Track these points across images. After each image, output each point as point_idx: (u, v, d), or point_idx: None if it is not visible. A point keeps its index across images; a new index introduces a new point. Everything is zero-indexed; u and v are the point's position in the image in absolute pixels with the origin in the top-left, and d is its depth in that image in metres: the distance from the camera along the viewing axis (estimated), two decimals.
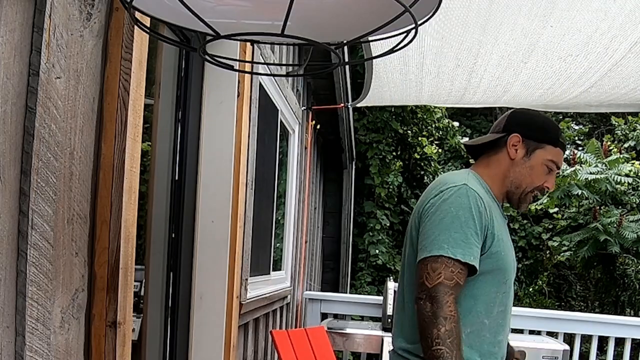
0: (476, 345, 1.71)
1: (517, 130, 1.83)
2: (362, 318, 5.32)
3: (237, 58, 2.56)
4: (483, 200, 1.72)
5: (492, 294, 1.73)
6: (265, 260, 3.94)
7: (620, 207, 8.34)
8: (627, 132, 10.24)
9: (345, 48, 4.29)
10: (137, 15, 1.16)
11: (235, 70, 2.43)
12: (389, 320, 4.11)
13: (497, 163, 1.85)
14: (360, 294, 8.22)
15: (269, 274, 4.08)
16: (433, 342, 1.56)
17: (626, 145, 9.91)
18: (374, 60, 3.89)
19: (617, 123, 10.53)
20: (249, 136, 2.90)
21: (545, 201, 8.40)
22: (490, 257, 1.71)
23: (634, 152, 9.77)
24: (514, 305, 1.90)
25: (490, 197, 1.80)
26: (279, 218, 4.69)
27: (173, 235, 2.50)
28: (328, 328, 4.21)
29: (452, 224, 1.65)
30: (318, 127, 5.97)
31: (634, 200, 8.29)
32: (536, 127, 1.84)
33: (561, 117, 12.89)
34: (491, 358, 1.74)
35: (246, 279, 2.98)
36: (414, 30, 1.08)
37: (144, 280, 2.45)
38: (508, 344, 1.91)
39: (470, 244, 1.65)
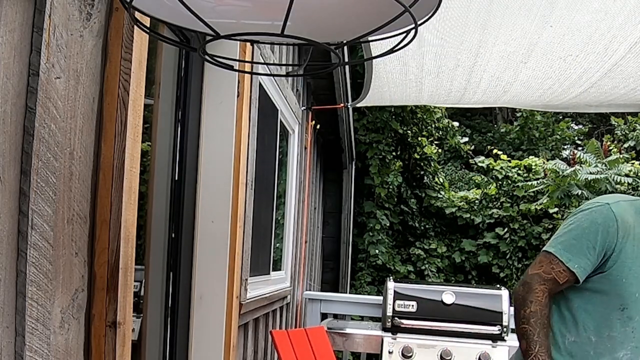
0: (578, 356, 1.78)
1: None
2: (362, 318, 5.32)
3: (237, 58, 2.56)
4: (621, 224, 1.74)
5: (606, 315, 1.77)
6: (265, 260, 3.94)
7: None
8: (627, 132, 10.25)
9: (345, 48, 4.29)
10: (137, 15, 1.16)
11: (235, 70, 2.43)
12: (389, 320, 4.11)
13: None
14: (360, 294, 8.22)
15: (269, 274, 4.08)
16: (520, 321, 1.76)
17: (626, 145, 9.92)
18: (373, 60, 3.89)
19: (617, 123, 10.53)
20: (248, 136, 2.90)
21: (545, 201, 8.40)
22: (607, 277, 1.75)
23: (633, 152, 9.77)
24: None
25: None
26: (279, 218, 4.69)
27: (173, 235, 2.50)
28: (328, 328, 4.21)
29: (575, 231, 1.77)
30: (318, 127, 5.97)
31: None
32: None
33: (561, 117, 12.90)
34: None
35: (246, 279, 2.98)
36: (413, 30, 1.08)
37: (143, 280, 2.45)
38: None
39: (581, 253, 1.74)
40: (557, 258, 1.76)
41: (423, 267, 8.86)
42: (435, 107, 9.20)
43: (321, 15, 1.11)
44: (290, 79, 4.40)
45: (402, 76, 3.99)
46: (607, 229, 1.74)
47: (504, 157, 10.00)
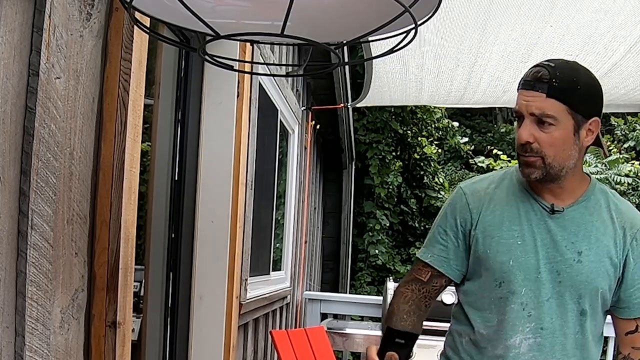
0: (477, 356, 1.61)
1: None
2: (362, 318, 5.32)
3: (237, 58, 2.56)
4: (472, 196, 1.63)
5: (486, 300, 1.59)
6: (265, 261, 3.94)
7: None
8: (627, 132, 10.25)
9: (345, 48, 4.29)
10: (137, 15, 1.16)
11: (235, 70, 2.43)
12: None
13: None
14: (360, 294, 8.22)
15: (269, 274, 4.08)
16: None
17: (626, 145, 9.92)
18: (373, 61, 3.89)
19: (616, 123, 10.53)
20: (248, 136, 2.90)
21: None
22: (478, 259, 1.60)
23: (633, 152, 9.78)
24: None
25: (516, 191, 1.62)
26: (279, 218, 4.69)
27: (173, 236, 2.50)
28: (328, 328, 4.21)
29: (432, 226, 1.71)
30: (318, 127, 5.97)
31: (634, 201, 8.29)
32: None
33: None
34: None
35: (246, 279, 2.98)
36: (413, 31, 1.08)
37: (143, 281, 2.45)
38: None
39: (435, 242, 1.66)
40: (417, 258, 1.69)
41: None
42: (435, 107, 9.21)
43: (321, 16, 1.11)
44: (290, 79, 4.40)
45: (402, 76, 3.99)
46: (455, 206, 1.64)
47: (504, 157, 10.01)
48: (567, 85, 1.48)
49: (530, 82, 1.49)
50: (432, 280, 1.66)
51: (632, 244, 1.58)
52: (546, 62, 1.50)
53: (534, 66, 1.51)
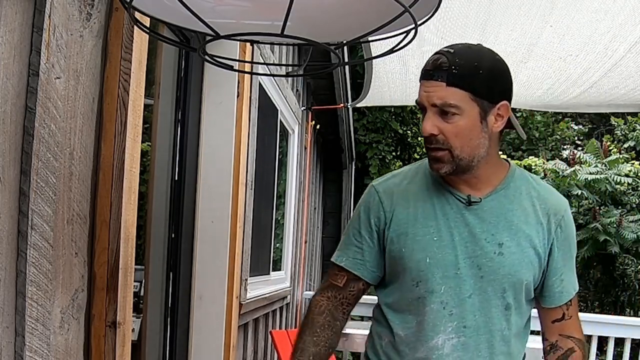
0: (394, 358, 1.54)
1: None
2: (362, 318, 5.31)
3: (237, 58, 2.56)
4: (384, 193, 1.54)
5: (404, 301, 1.51)
6: (265, 261, 3.94)
7: (620, 207, 8.33)
8: (627, 132, 10.25)
9: (345, 48, 4.29)
10: (137, 15, 1.16)
11: (235, 70, 2.43)
12: None
13: None
14: None
15: (269, 274, 4.08)
16: None
17: (626, 145, 9.91)
18: (373, 60, 3.89)
19: (616, 123, 10.53)
20: (248, 136, 2.90)
21: None
22: (393, 258, 1.52)
23: (633, 152, 9.77)
24: None
25: (430, 185, 1.53)
26: (279, 218, 4.69)
27: (173, 236, 2.50)
28: None
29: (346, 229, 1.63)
30: (318, 127, 5.97)
31: (634, 201, 8.29)
32: None
33: (561, 117, 12.89)
34: None
35: (246, 279, 2.98)
36: (413, 31, 1.08)
37: (143, 281, 2.45)
38: None
39: (349, 244, 1.57)
40: (332, 262, 1.60)
41: None
42: None
43: (321, 16, 1.11)
44: (290, 79, 4.40)
45: (402, 76, 3.98)
46: (368, 206, 1.55)
47: (504, 157, 10.00)
48: (467, 71, 1.38)
49: (430, 71, 1.40)
50: (348, 285, 1.57)
51: (557, 232, 1.52)
52: (446, 49, 1.42)
53: (434, 54, 1.42)
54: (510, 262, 1.46)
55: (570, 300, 1.57)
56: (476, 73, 1.39)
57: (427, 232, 1.48)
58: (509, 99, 1.46)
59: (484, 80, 1.40)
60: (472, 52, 1.42)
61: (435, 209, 1.49)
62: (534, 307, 1.60)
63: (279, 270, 4.67)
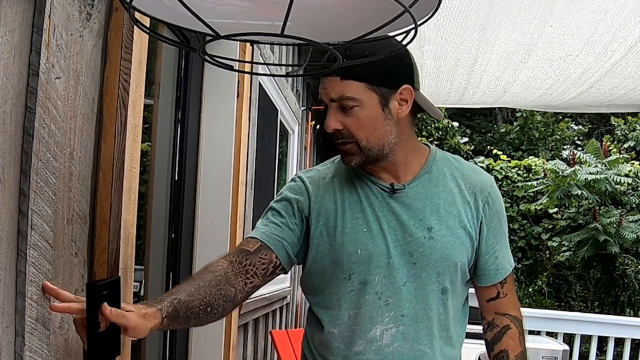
0: (329, 356, 1.49)
1: None
2: None
3: (237, 58, 2.56)
4: (310, 180, 1.52)
5: (334, 296, 1.47)
6: None
7: (619, 207, 8.34)
8: (627, 132, 10.25)
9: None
10: (137, 15, 1.16)
11: (235, 70, 2.43)
12: None
13: None
14: None
15: None
16: None
17: (626, 145, 9.92)
18: None
19: (616, 123, 10.53)
20: (248, 136, 2.90)
21: (544, 201, 8.40)
22: (322, 253, 1.47)
23: (633, 152, 9.78)
24: None
25: (353, 176, 1.52)
26: None
27: (173, 236, 2.50)
28: None
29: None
30: (318, 127, 5.97)
31: (634, 201, 8.29)
32: None
33: (561, 118, 12.90)
34: None
35: None
36: (413, 31, 1.08)
37: (143, 280, 2.45)
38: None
39: (266, 221, 1.51)
40: (246, 238, 1.52)
41: None
42: None
43: (321, 16, 1.11)
44: (290, 79, 4.40)
45: None
46: (291, 191, 1.52)
47: (504, 157, 10.01)
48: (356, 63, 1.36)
49: (327, 68, 1.39)
50: (260, 251, 1.46)
51: (485, 209, 1.51)
52: (339, 44, 1.42)
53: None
54: (442, 246, 1.46)
55: (505, 278, 1.57)
56: (369, 62, 1.35)
57: (356, 224, 1.46)
58: (412, 82, 1.45)
59: (379, 68, 1.39)
60: (366, 42, 1.43)
61: (361, 200, 1.48)
62: (470, 287, 1.60)
63: None
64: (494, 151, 10.54)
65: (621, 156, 8.41)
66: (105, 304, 1.16)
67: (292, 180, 1.57)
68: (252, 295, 3.31)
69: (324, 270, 1.48)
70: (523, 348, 1.58)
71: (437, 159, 1.54)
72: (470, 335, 4.14)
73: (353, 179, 1.51)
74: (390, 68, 1.42)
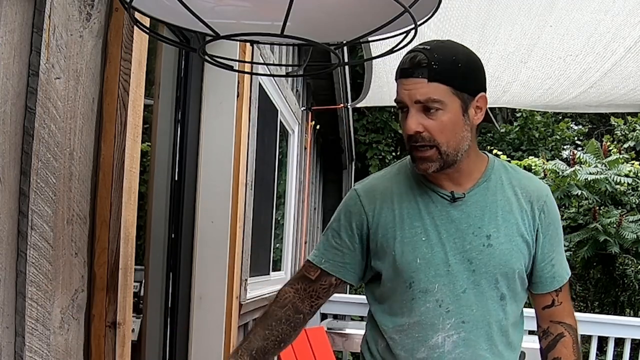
0: None
1: None
2: (362, 318, 5.31)
3: (237, 58, 2.56)
4: (366, 197, 1.53)
5: (397, 304, 1.50)
6: (264, 261, 3.94)
7: (619, 207, 8.33)
8: (627, 132, 10.25)
9: (345, 48, 4.29)
10: (137, 15, 1.16)
11: (235, 70, 2.43)
12: None
13: None
14: (360, 294, 8.22)
15: (269, 274, 4.08)
16: None
17: (626, 145, 9.91)
18: (373, 61, 3.89)
19: (616, 123, 10.53)
20: (248, 136, 2.90)
21: None
22: (379, 260, 1.51)
23: (633, 152, 9.77)
24: None
25: (412, 184, 1.52)
26: (279, 218, 4.69)
27: (173, 236, 2.50)
28: (327, 328, 4.21)
29: (325, 230, 1.61)
30: (318, 127, 5.97)
31: (634, 201, 8.28)
32: None
33: (561, 118, 12.90)
34: None
35: (246, 279, 2.98)
36: (413, 31, 1.08)
37: (143, 281, 2.45)
38: None
39: (328, 245, 1.56)
40: (308, 261, 1.58)
41: None
42: None
43: (321, 16, 1.11)
44: (289, 79, 4.40)
45: None
46: (348, 209, 1.54)
47: (504, 157, 10.00)
48: (447, 66, 1.39)
49: (409, 69, 1.39)
50: (320, 279, 1.56)
51: (541, 217, 1.53)
52: (421, 47, 1.40)
53: (409, 52, 1.40)
54: (500, 253, 1.47)
55: (560, 287, 1.58)
56: (456, 67, 1.39)
57: (415, 233, 1.47)
58: (485, 91, 1.48)
59: (463, 74, 1.41)
60: (447, 47, 1.43)
61: (419, 208, 1.49)
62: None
63: (279, 270, 4.67)
64: (494, 151, 10.53)
65: (621, 156, 8.40)
66: None
67: (349, 196, 1.57)
68: (252, 295, 3.31)
69: (386, 280, 1.51)
70: (577, 357, 1.58)
71: (495, 168, 1.55)
72: None
73: (412, 187, 1.52)
74: (472, 74, 1.44)
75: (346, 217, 1.54)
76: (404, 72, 1.40)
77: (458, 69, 1.39)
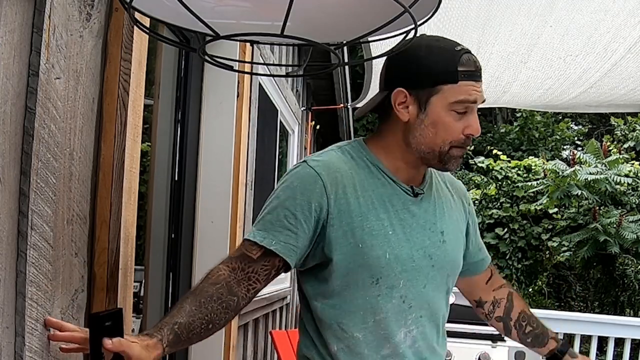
0: None
1: (399, 84, 1.39)
2: None
3: (237, 58, 2.56)
4: (328, 177, 1.38)
5: (359, 300, 1.40)
6: None
7: (619, 207, 8.33)
8: (627, 132, 10.25)
9: (345, 48, 4.29)
10: (137, 15, 1.16)
11: (235, 70, 2.43)
12: None
13: (391, 130, 1.45)
14: None
15: None
16: None
17: (626, 145, 9.92)
18: (373, 61, 3.89)
19: (616, 123, 10.54)
20: (248, 136, 2.90)
21: (544, 202, 8.40)
22: (338, 251, 1.38)
23: (633, 152, 9.77)
24: None
25: (373, 174, 1.44)
26: None
27: (173, 236, 2.50)
28: None
29: (271, 205, 1.40)
30: (318, 127, 5.97)
31: (634, 201, 8.29)
32: (417, 71, 1.38)
33: (561, 118, 12.90)
34: None
35: None
36: (413, 31, 1.08)
37: (143, 281, 2.45)
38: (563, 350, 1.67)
39: (279, 226, 1.37)
40: (250, 240, 1.38)
41: None
42: None
43: (321, 16, 1.11)
44: (289, 79, 4.40)
45: None
46: (307, 187, 1.37)
47: (504, 157, 10.01)
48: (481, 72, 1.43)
49: (477, 72, 1.39)
50: (264, 258, 1.37)
51: (468, 209, 1.60)
52: (466, 48, 1.40)
53: (466, 53, 1.39)
54: (452, 249, 1.50)
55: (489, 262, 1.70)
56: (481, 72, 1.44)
57: (382, 226, 1.40)
58: None
59: None
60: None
61: (384, 200, 1.42)
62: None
63: None
64: (494, 151, 10.54)
65: (621, 156, 8.41)
66: (106, 338, 1.17)
67: (308, 173, 1.40)
68: None
69: (348, 272, 1.39)
70: (525, 301, 1.72)
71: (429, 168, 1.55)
72: (470, 336, 4.16)
73: (374, 177, 1.44)
74: None
75: (304, 197, 1.37)
76: (475, 75, 1.38)
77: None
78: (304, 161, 1.43)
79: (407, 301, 1.43)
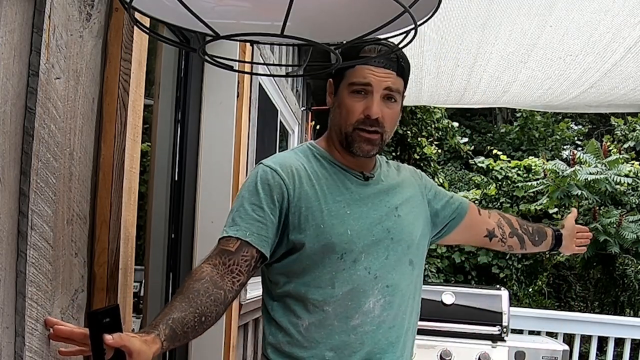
0: (323, 339, 1.52)
1: (331, 75, 1.63)
2: None
3: (237, 58, 2.56)
4: (284, 171, 1.53)
5: (327, 275, 1.52)
6: None
7: (619, 207, 8.33)
8: (627, 132, 10.25)
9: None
10: (137, 15, 1.16)
11: (235, 70, 2.43)
12: None
13: (329, 120, 1.67)
14: None
15: None
16: None
17: (626, 145, 9.91)
18: None
19: (616, 123, 10.53)
20: (248, 136, 2.90)
21: (544, 202, 8.40)
22: (310, 236, 1.51)
23: (633, 152, 9.77)
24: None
25: (324, 165, 1.61)
26: None
27: (173, 236, 2.50)
28: None
29: (237, 204, 1.54)
30: (318, 127, 5.97)
31: (634, 201, 8.28)
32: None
33: (561, 118, 12.90)
34: (347, 349, 1.53)
35: None
36: (413, 31, 1.08)
37: (143, 281, 2.45)
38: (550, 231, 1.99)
39: (248, 219, 1.49)
40: (225, 237, 1.48)
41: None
42: (434, 108, 9.21)
43: (321, 16, 1.11)
44: (290, 79, 4.40)
45: None
46: (267, 182, 1.52)
47: (504, 157, 10.01)
48: (405, 65, 1.58)
49: (382, 60, 1.52)
50: (241, 249, 1.47)
51: (419, 182, 1.79)
52: (384, 42, 1.50)
53: (374, 44, 1.50)
54: (407, 222, 1.65)
55: (470, 204, 1.87)
56: (408, 67, 1.60)
57: (340, 207, 1.56)
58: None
59: (408, 74, 1.61)
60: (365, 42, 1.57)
61: (338, 185, 1.59)
62: (458, 242, 1.98)
63: None
64: (494, 151, 10.54)
65: (621, 156, 8.40)
66: (107, 334, 1.18)
67: (263, 170, 1.56)
68: (252, 296, 3.32)
69: (314, 252, 1.53)
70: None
71: (378, 157, 1.73)
72: (470, 336, 4.16)
73: (326, 167, 1.61)
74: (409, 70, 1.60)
75: (266, 191, 1.52)
76: (376, 61, 1.52)
77: (409, 70, 1.61)
78: (260, 164, 1.60)
79: (372, 272, 1.56)
